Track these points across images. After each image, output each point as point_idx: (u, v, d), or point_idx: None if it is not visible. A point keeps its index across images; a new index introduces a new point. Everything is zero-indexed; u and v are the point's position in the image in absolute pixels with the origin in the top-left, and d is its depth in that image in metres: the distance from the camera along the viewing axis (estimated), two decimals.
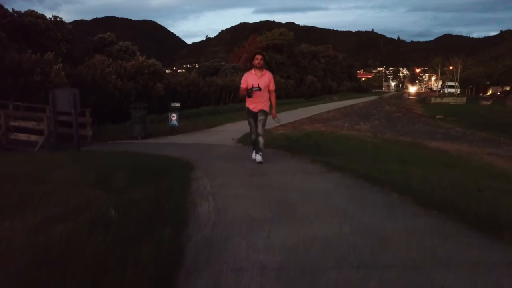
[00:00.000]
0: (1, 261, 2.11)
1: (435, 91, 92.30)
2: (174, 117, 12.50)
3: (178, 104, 12.71)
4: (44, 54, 16.31)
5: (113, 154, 7.86)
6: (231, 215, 3.22)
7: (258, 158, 6.23)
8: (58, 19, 20.70)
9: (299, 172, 5.40)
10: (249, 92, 6.17)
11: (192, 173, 5.23)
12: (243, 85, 6.34)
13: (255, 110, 6.36)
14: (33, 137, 11.10)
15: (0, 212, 3.12)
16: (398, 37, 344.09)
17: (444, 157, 9.97)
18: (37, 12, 19.67)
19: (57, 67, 15.88)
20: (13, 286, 1.81)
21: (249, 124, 6.56)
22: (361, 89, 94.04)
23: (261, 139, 6.34)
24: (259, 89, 6.19)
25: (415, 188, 3.97)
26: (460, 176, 6.18)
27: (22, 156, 7.97)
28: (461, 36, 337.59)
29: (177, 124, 12.65)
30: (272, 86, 6.45)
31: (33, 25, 18.94)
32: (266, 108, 6.43)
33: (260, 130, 6.36)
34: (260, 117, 6.36)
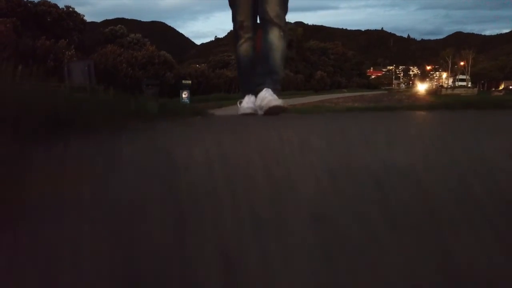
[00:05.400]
0: None
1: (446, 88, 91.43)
2: (185, 94, 12.65)
3: (189, 81, 12.86)
4: (58, 41, 16.61)
5: None
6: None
7: (269, 97, 2.44)
8: (70, 9, 21.07)
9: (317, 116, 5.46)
10: None
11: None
12: None
13: None
14: None
15: None
16: (408, 35, 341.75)
17: None
18: (50, 1, 20.06)
19: (70, 53, 16.17)
20: None
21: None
22: (371, 85, 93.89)
23: (277, 41, 2.54)
24: None
25: None
26: None
27: None
28: (473, 34, 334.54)
29: (188, 102, 12.78)
30: None
31: (46, 14, 19.32)
32: None
33: (274, 11, 2.52)
34: None
